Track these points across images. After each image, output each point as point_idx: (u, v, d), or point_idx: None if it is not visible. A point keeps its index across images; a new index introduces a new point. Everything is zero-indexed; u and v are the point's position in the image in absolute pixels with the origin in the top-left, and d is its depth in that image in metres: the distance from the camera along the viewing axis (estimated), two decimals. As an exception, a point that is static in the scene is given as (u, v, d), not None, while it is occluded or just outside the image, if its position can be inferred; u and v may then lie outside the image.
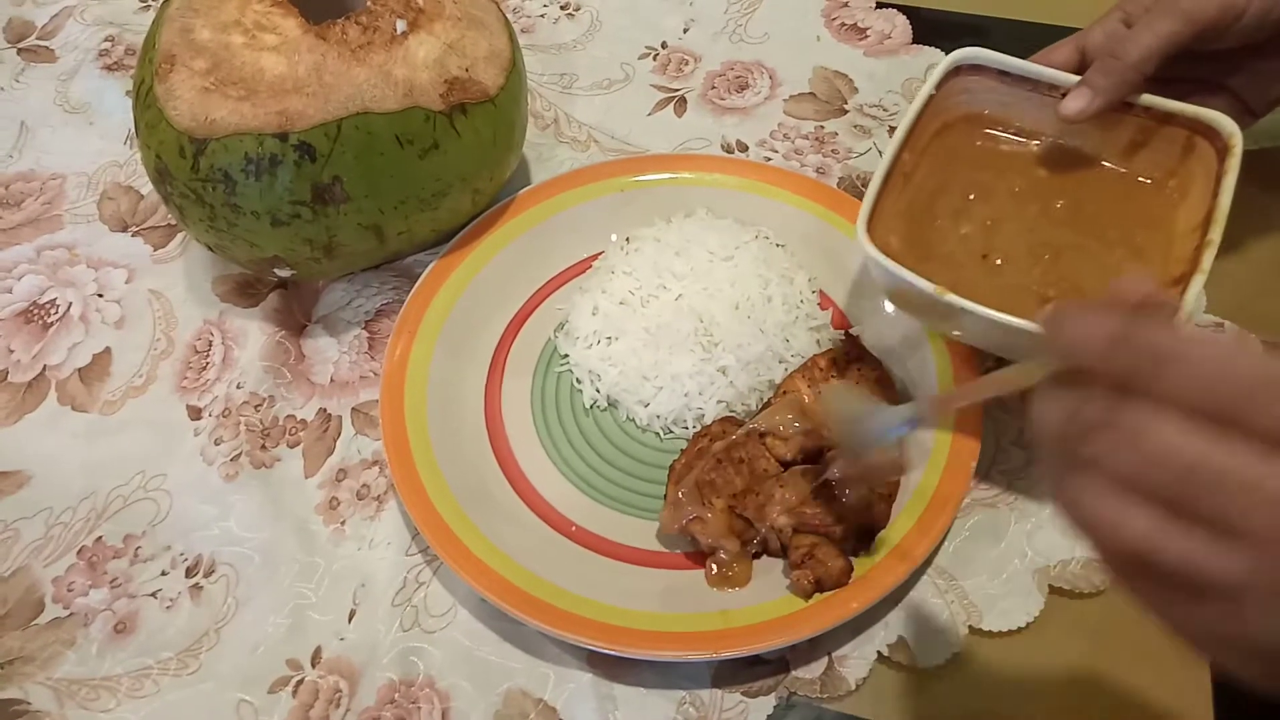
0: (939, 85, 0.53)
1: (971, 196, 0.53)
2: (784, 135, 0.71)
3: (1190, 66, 0.51)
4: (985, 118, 0.56)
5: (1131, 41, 0.48)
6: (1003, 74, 0.54)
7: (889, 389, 0.54)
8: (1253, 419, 0.25)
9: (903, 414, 0.44)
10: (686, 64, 0.76)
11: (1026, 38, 0.55)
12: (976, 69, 0.54)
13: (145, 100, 0.54)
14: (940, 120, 0.55)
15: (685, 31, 0.78)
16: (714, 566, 0.50)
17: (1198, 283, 0.45)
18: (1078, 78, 0.51)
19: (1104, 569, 0.29)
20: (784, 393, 0.54)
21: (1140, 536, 0.27)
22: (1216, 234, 0.47)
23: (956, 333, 0.52)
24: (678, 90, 0.74)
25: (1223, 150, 0.49)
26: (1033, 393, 0.31)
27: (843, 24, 0.78)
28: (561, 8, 0.80)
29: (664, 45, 0.77)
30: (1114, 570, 0.29)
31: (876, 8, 0.78)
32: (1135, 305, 0.28)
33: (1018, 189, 0.54)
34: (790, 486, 0.50)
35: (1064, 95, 0.51)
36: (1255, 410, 0.25)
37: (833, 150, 0.69)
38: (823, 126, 0.71)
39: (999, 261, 0.51)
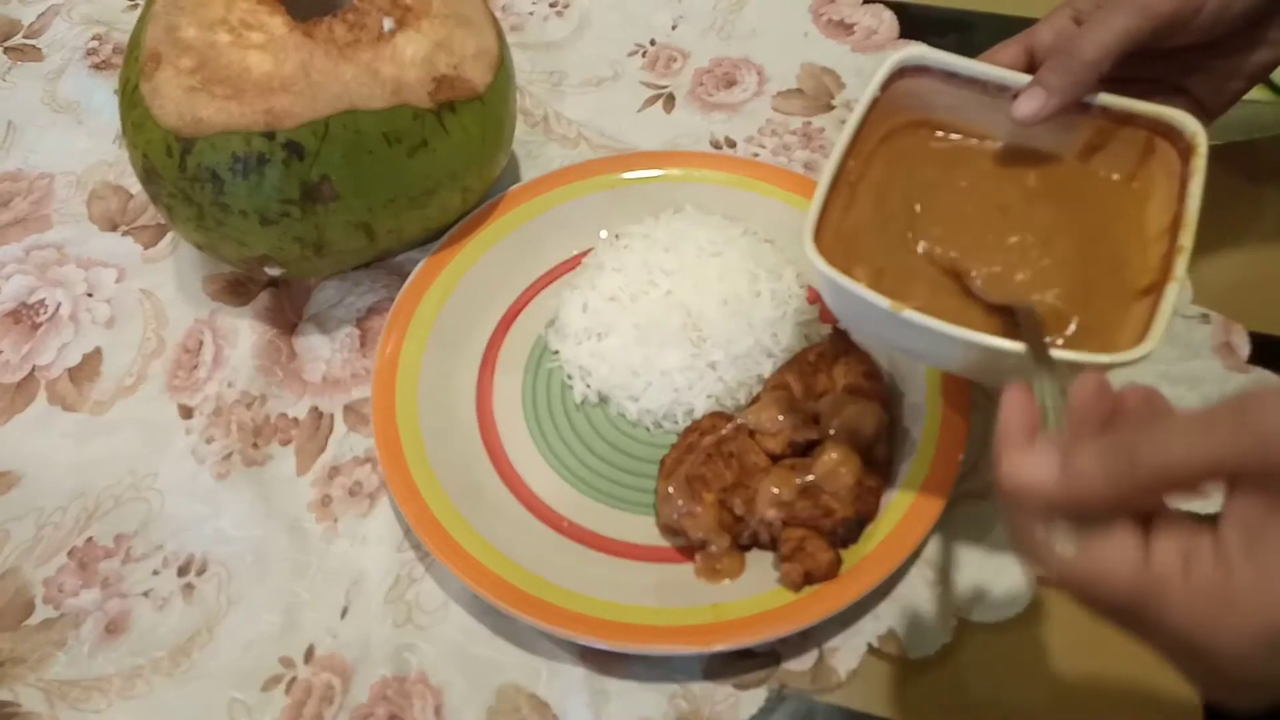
0: (883, 88, 0.49)
1: (918, 207, 0.49)
2: (772, 131, 0.71)
3: (1145, 65, 0.49)
4: (934, 121, 0.52)
5: (1086, 38, 0.46)
6: (949, 75, 0.50)
7: (877, 383, 0.55)
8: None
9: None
10: (675, 61, 0.76)
11: (1013, 32, 0.55)
12: (922, 70, 0.50)
13: (131, 99, 0.54)
14: (886, 125, 0.51)
15: (674, 28, 0.78)
16: (703, 560, 0.50)
17: (1173, 291, 0.43)
18: (1029, 78, 0.47)
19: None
20: (773, 387, 0.54)
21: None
22: (1188, 239, 0.44)
23: (924, 359, 0.50)
24: (666, 87, 0.74)
25: (1186, 151, 0.46)
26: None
27: (830, 20, 0.78)
28: (550, 5, 0.80)
29: (652, 42, 0.77)
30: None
31: (864, 3, 0.79)
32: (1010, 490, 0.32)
33: (971, 193, 0.50)
34: (779, 480, 0.50)
35: (1015, 96, 0.48)
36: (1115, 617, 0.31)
37: (820, 146, 0.70)
38: (810, 122, 0.71)
39: (958, 272, 0.48)
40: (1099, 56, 0.46)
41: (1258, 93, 0.64)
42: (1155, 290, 0.44)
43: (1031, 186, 0.50)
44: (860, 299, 0.43)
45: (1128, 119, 0.48)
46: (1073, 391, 0.33)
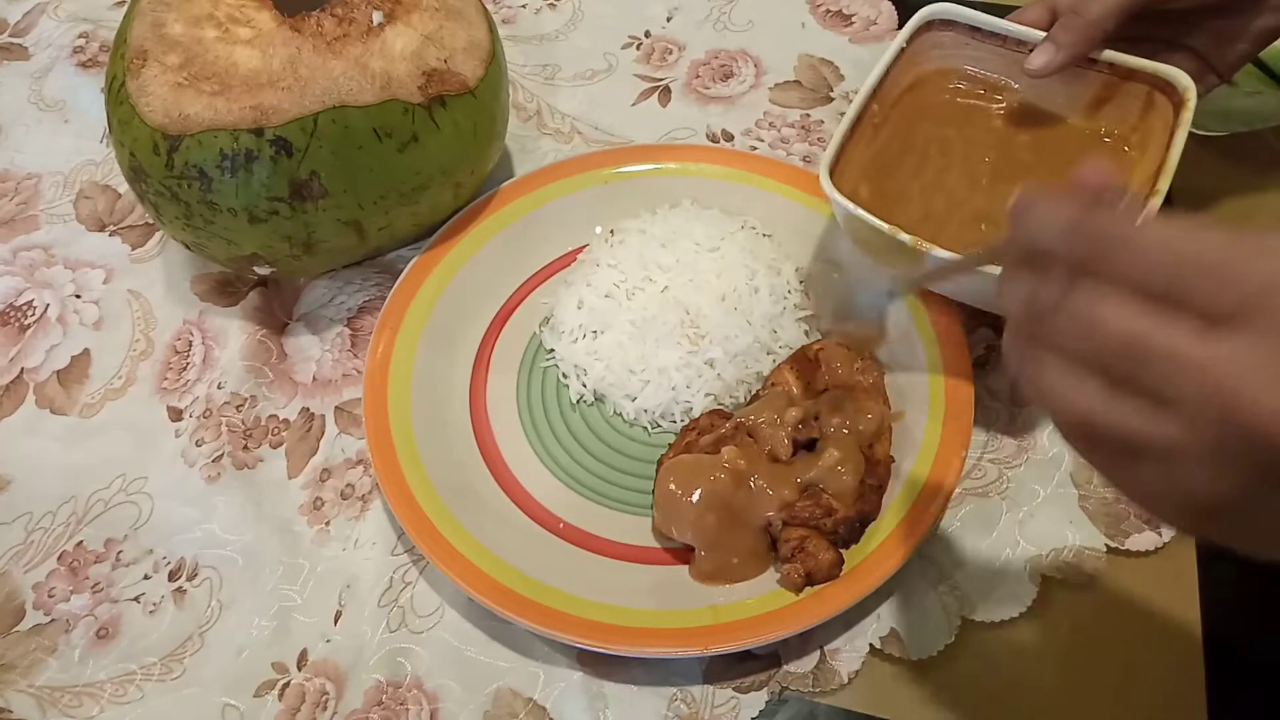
0: (910, 39, 0.55)
1: (935, 152, 0.55)
2: (769, 124, 0.70)
3: (1153, 26, 0.53)
4: (956, 73, 0.57)
5: None
6: (973, 30, 0.55)
7: (878, 380, 0.54)
8: (1190, 298, 0.27)
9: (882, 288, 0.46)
10: (670, 53, 0.75)
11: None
12: (948, 24, 0.55)
13: (117, 96, 0.53)
14: (913, 74, 0.56)
15: (669, 20, 0.77)
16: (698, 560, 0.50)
17: None
18: (1044, 34, 0.52)
19: (1061, 437, 0.32)
20: (772, 384, 0.54)
21: (1086, 408, 0.29)
22: (1164, 184, 0.47)
23: (924, 282, 0.53)
24: (662, 80, 0.73)
25: (1178, 104, 0.50)
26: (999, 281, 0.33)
27: (828, 11, 0.77)
28: (543, -2, 0.79)
29: (647, 34, 0.76)
30: (1068, 438, 0.32)
31: (861, -6, 0.78)
32: (1094, 193, 0.30)
33: (982, 145, 0.55)
34: (779, 480, 0.49)
35: (1031, 51, 0.52)
36: (1192, 290, 0.27)
37: (819, 139, 0.69)
38: (809, 115, 0.70)
39: (960, 215, 0.53)
40: (1103, 15, 0.49)
41: (1259, 84, 0.63)
42: None
43: (1036, 142, 0.55)
44: (870, 227, 0.48)
45: (1130, 74, 0.52)
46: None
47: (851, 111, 0.52)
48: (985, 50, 0.55)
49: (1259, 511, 0.28)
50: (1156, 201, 0.47)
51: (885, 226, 0.48)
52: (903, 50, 0.54)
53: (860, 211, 0.48)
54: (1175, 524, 0.33)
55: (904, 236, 0.47)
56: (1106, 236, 0.29)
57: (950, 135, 0.55)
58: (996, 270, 0.39)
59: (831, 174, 0.50)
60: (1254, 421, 0.26)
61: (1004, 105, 0.56)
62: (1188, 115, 0.50)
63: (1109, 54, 0.52)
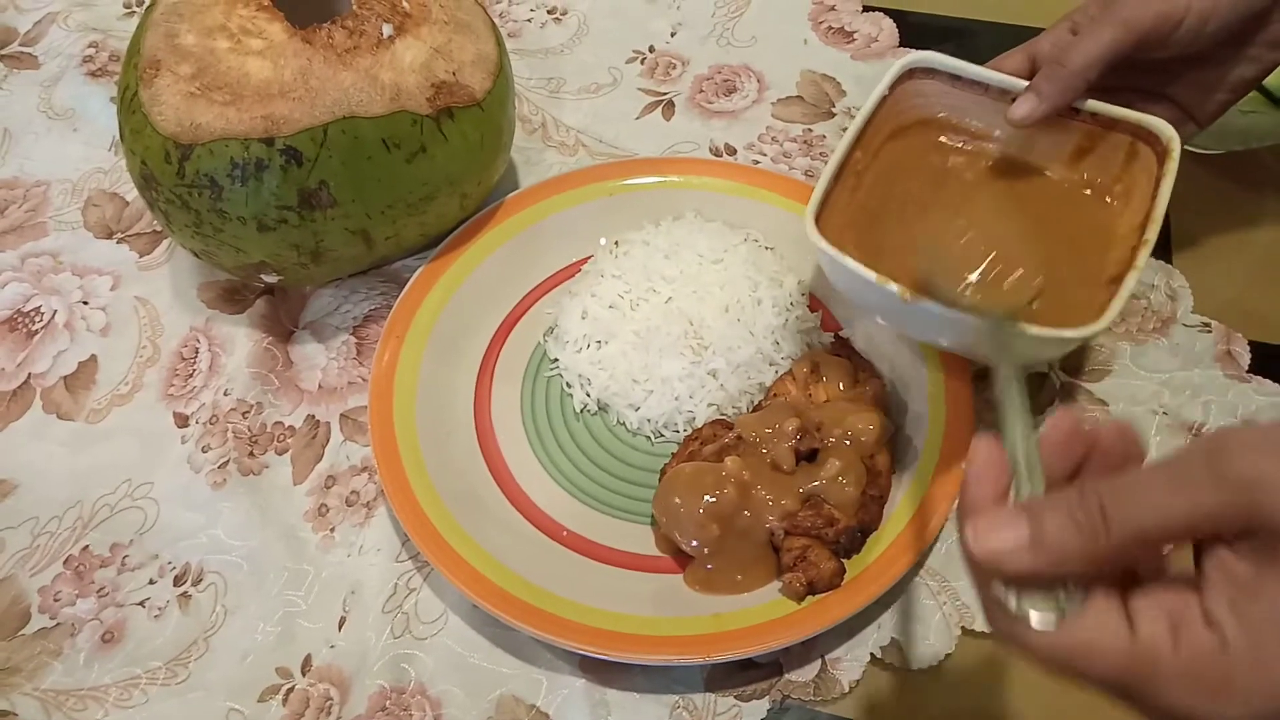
0: (892, 87, 0.54)
1: (917, 205, 0.53)
2: (772, 138, 0.71)
3: (1134, 76, 0.52)
4: (938, 122, 0.56)
5: (1075, 49, 0.50)
6: (955, 78, 0.54)
7: (879, 391, 0.54)
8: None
9: None
10: (674, 68, 0.76)
11: (1012, 41, 0.55)
12: (930, 73, 0.54)
13: (130, 105, 0.54)
14: (894, 123, 0.55)
15: (673, 35, 0.78)
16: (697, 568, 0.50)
17: (1132, 279, 0.46)
18: (1027, 83, 0.52)
19: None
20: (774, 395, 0.54)
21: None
22: (1152, 234, 0.47)
23: (919, 334, 0.52)
24: (665, 94, 0.74)
25: (1162, 154, 0.50)
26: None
27: (830, 27, 0.78)
28: (548, 12, 0.80)
29: (651, 49, 0.77)
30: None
31: (863, 11, 0.79)
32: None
33: (964, 196, 0.54)
34: (781, 490, 0.50)
35: (1014, 100, 0.52)
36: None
37: (821, 153, 0.69)
38: (811, 129, 0.71)
39: (945, 269, 0.51)
40: (1086, 65, 0.49)
41: (1255, 104, 0.64)
42: (1120, 280, 0.46)
43: (1017, 192, 0.54)
44: (850, 271, 0.47)
45: (1112, 124, 0.52)
46: (1044, 433, 0.32)
47: (835, 159, 0.51)
48: (967, 99, 0.54)
49: None
50: (1146, 251, 0.47)
51: (874, 276, 0.46)
52: (885, 98, 0.53)
53: (849, 261, 0.47)
54: None
55: (892, 286, 0.45)
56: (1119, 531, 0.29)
57: (932, 187, 0.54)
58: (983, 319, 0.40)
59: (817, 221, 0.49)
60: None
61: (985, 155, 0.55)
62: (1173, 166, 0.49)
63: (1091, 104, 0.52)
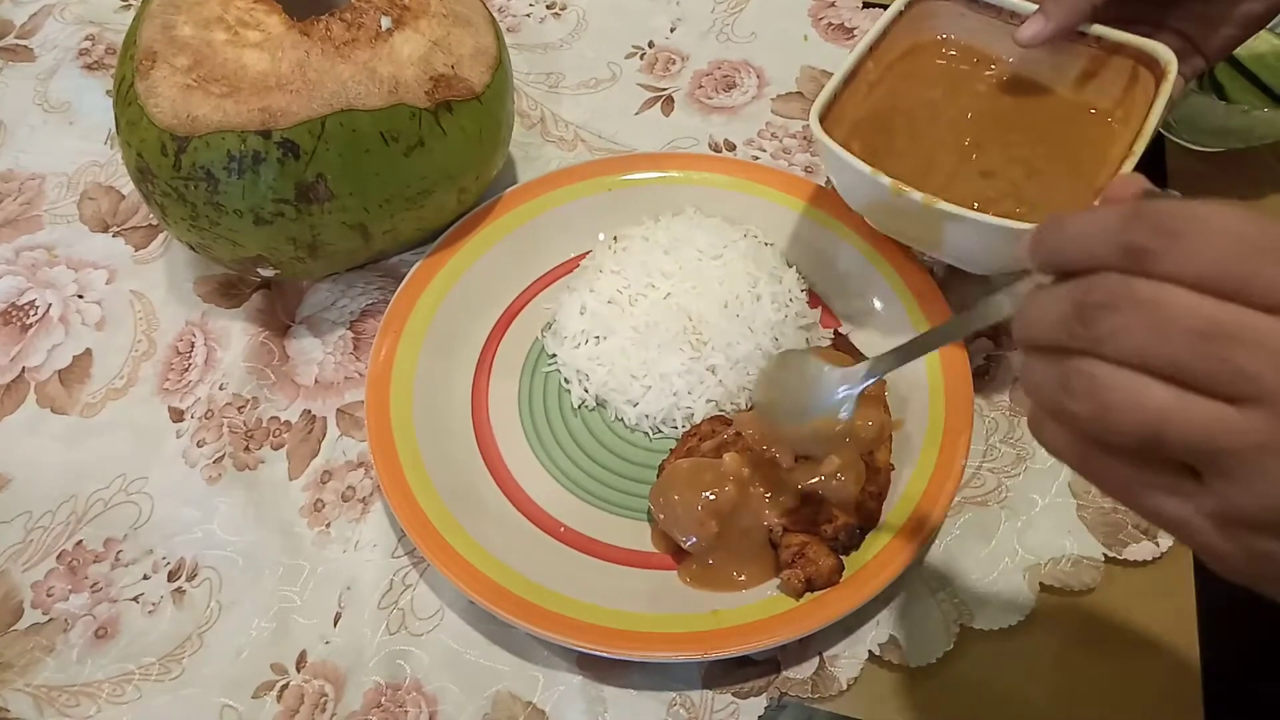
0: (908, 5, 0.57)
1: (924, 115, 0.57)
2: (772, 134, 0.70)
3: (1141, 7, 0.54)
4: (950, 42, 0.59)
5: None
6: (969, 1, 0.57)
7: (879, 387, 0.54)
8: (1265, 285, 0.26)
9: (850, 374, 0.43)
10: (674, 63, 0.76)
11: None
12: None
13: (126, 97, 0.53)
14: (908, 42, 0.58)
15: (672, 31, 0.78)
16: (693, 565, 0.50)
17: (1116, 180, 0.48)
18: (1036, 6, 0.54)
19: (1086, 462, 0.30)
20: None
21: (1157, 409, 0.27)
22: (1139, 146, 0.49)
23: (909, 236, 0.56)
24: (665, 89, 0.74)
25: (1160, 77, 0.52)
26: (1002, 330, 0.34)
27: (830, 23, 0.78)
28: (548, 7, 0.80)
29: (651, 44, 0.77)
30: (1106, 456, 0.29)
31: (864, 7, 0.78)
32: (1130, 199, 0.29)
33: (970, 113, 0.57)
34: (780, 486, 0.49)
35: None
36: (1265, 276, 0.26)
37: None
38: (810, 126, 0.71)
39: (945, 175, 0.54)
40: None
41: (1256, 102, 0.64)
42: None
43: (1023, 111, 0.57)
44: (847, 164, 0.50)
45: (1116, 49, 0.54)
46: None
47: (847, 64, 0.54)
48: (979, 21, 0.57)
49: None
50: (1132, 161, 0.49)
51: (867, 169, 0.50)
52: (900, 14, 0.56)
53: (845, 154, 0.50)
54: (1227, 549, 0.29)
55: (884, 179, 0.49)
56: (1166, 228, 0.27)
57: (940, 102, 0.57)
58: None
59: (822, 122, 0.52)
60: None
61: (994, 75, 0.58)
62: (1167, 86, 0.51)
63: (1097, 28, 0.54)
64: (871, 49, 0.56)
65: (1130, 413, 0.27)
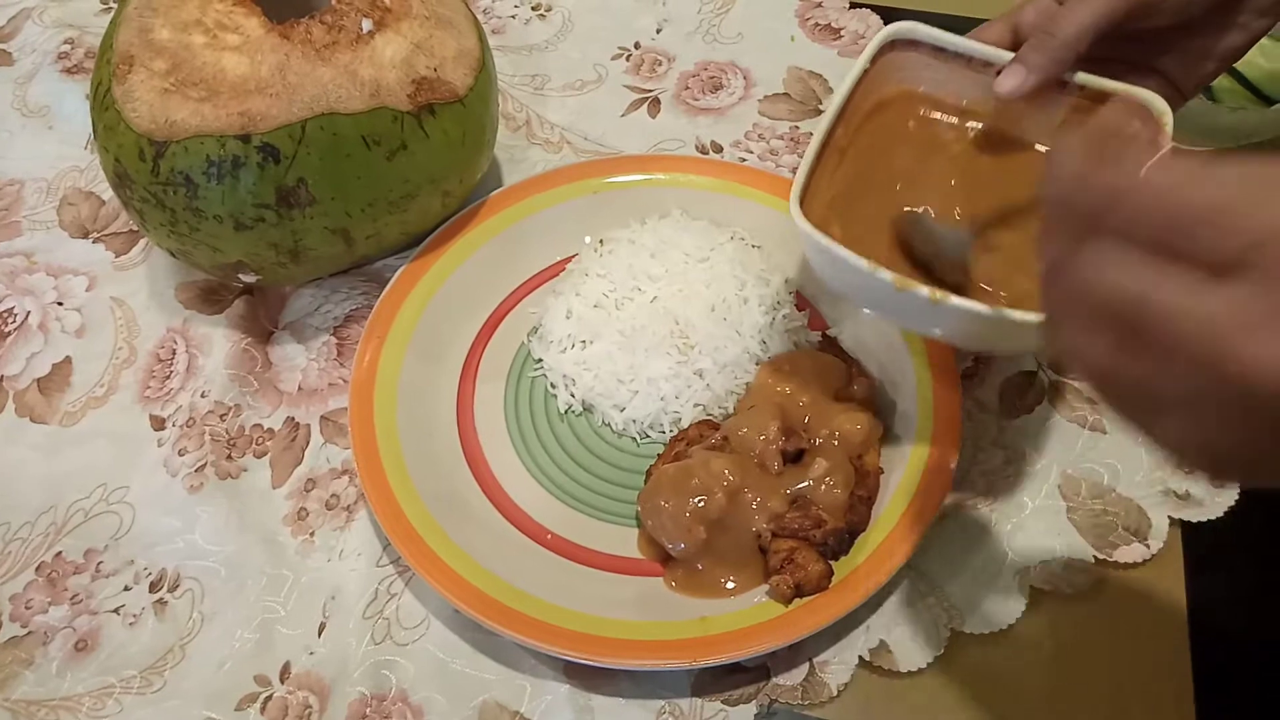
0: (873, 60, 0.51)
1: (902, 183, 0.52)
2: (759, 136, 0.70)
3: (1122, 47, 0.51)
4: (921, 96, 0.54)
5: (1065, 17, 0.48)
6: (937, 50, 0.52)
7: (867, 391, 0.54)
8: (1192, 248, 0.27)
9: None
10: (660, 64, 0.75)
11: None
12: (912, 44, 0.52)
13: (103, 102, 0.53)
14: (875, 98, 0.53)
15: (658, 32, 0.77)
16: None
17: None
18: (1012, 55, 0.49)
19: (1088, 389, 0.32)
20: (751, 407, 0.53)
21: (1099, 365, 0.29)
22: None
23: (912, 324, 0.51)
24: (651, 91, 0.73)
25: (1154, 129, 0.48)
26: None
27: (817, 24, 0.77)
28: (533, 8, 0.79)
29: (637, 46, 0.76)
30: (1097, 392, 0.31)
31: (850, 8, 0.78)
32: (1111, 139, 0.30)
33: (948, 175, 0.53)
34: (768, 491, 0.49)
35: (999, 73, 0.49)
36: (1194, 239, 0.27)
37: (808, 150, 0.69)
38: (797, 127, 0.70)
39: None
40: (1077, 35, 0.47)
41: (1243, 100, 0.64)
42: None
43: (1005, 170, 0.52)
44: (839, 259, 0.45)
45: (1102, 98, 0.50)
46: None
47: (816, 139, 0.49)
48: (950, 72, 0.52)
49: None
50: None
51: (865, 264, 0.44)
52: (866, 71, 0.51)
53: (839, 249, 0.45)
54: (1204, 471, 0.32)
55: (885, 275, 0.43)
56: (1110, 189, 0.28)
57: (915, 164, 0.53)
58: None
59: (801, 204, 0.46)
60: (1249, 374, 0.25)
61: (970, 130, 0.54)
62: (1165, 140, 0.47)
63: (1081, 76, 0.50)
64: (840, 114, 0.50)
65: (1082, 366, 0.30)
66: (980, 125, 0.54)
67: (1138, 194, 0.28)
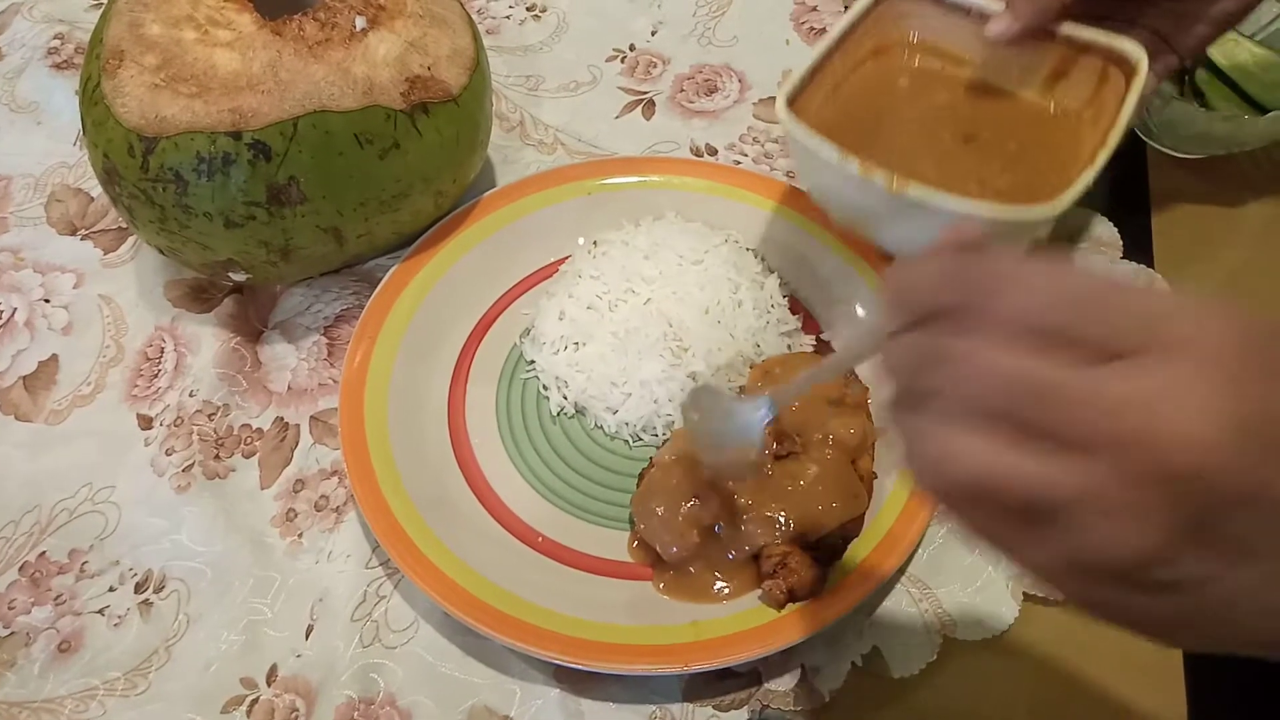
0: (875, 3, 0.56)
1: (890, 122, 0.56)
2: (753, 139, 0.70)
3: (1113, 5, 0.53)
4: (920, 42, 0.58)
5: None
6: (937, 1, 0.56)
7: (861, 395, 0.54)
8: (1079, 332, 0.26)
9: (753, 408, 0.44)
10: (655, 66, 0.75)
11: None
12: None
13: (92, 97, 0.52)
14: (875, 41, 0.57)
15: (653, 34, 0.77)
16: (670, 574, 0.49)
17: (1089, 173, 0.48)
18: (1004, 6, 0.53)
19: (943, 509, 0.29)
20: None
21: (980, 464, 0.27)
22: (1113, 138, 0.49)
23: (874, 232, 0.54)
24: (646, 93, 0.73)
25: (1130, 75, 0.52)
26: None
27: (811, 28, 0.77)
28: (528, 9, 0.79)
29: (632, 48, 0.76)
30: (952, 508, 0.29)
31: (845, 11, 0.78)
32: (966, 246, 0.29)
33: (937, 119, 0.56)
34: (761, 494, 0.49)
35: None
36: (1080, 324, 0.26)
37: (802, 154, 0.69)
38: (792, 130, 0.70)
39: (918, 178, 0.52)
40: None
41: (1236, 109, 0.64)
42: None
43: (990, 116, 0.56)
44: (826, 163, 0.49)
45: (1085, 48, 0.54)
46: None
47: (814, 57, 0.53)
48: (947, 21, 0.56)
49: (1177, 578, 0.26)
50: (1106, 152, 0.48)
51: (836, 154, 0.48)
52: (866, 13, 0.55)
53: (815, 138, 0.49)
54: (1081, 595, 0.29)
55: (878, 178, 0.47)
56: (985, 281, 0.27)
57: (907, 104, 0.56)
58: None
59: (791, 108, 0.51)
60: (1167, 453, 0.25)
61: (961, 78, 0.57)
62: (1138, 83, 0.50)
63: (1067, 26, 0.53)
64: (839, 44, 0.55)
65: (955, 470, 0.27)
66: (972, 74, 0.57)
67: (1019, 281, 0.27)
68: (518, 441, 0.56)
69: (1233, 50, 0.65)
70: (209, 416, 0.57)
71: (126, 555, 0.52)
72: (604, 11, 0.78)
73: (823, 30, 0.77)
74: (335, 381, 0.58)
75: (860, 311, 0.58)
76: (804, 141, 0.50)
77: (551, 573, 0.50)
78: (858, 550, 0.49)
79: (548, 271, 0.62)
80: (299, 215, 0.53)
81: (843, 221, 0.56)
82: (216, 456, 0.55)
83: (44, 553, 0.52)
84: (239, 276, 0.56)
